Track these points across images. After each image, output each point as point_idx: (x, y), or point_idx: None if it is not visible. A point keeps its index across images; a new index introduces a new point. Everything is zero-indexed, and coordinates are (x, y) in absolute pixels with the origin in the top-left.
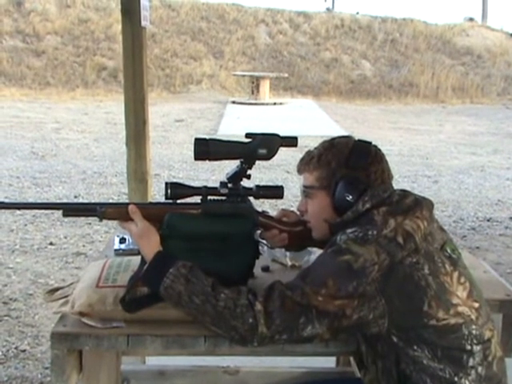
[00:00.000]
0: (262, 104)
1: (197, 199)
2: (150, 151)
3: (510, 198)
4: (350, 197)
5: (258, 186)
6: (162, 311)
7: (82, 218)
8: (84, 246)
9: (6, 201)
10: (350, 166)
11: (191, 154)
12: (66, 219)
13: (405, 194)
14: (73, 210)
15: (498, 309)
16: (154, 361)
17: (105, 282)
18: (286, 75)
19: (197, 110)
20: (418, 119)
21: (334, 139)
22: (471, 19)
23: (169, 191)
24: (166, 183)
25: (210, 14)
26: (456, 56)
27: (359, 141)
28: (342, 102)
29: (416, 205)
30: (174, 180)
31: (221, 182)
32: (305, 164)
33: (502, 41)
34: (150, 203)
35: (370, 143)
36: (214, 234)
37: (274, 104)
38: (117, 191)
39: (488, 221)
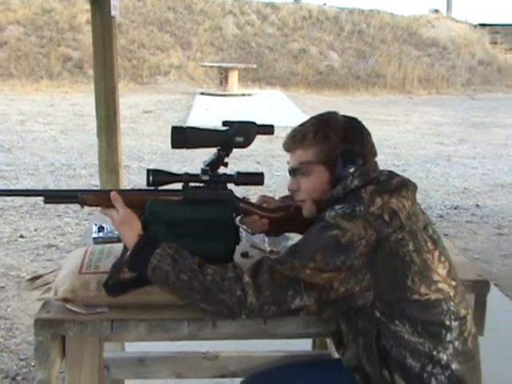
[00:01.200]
0: (231, 95)
1: (178, 186)
2: (121, 142)
3: (475, 186)
4: (352, 169)
5: (238, 173)
6: (145, 296)
7: (52, 210)
8: (55, 238)
9: None
10: (348, 139)
11: (161, 145)
12: (36, 211)
13: (391, 174)
14: (54, 196)
15: (470, 289)
16: (134, 348)
17: (87, 269)
18: (255, 66)
19: (165, 102)
20: (386, 110)
21: (322, 115)
22: (436, 11)
23: (150, 178)
24: (148, 170)
25: (177, 5)
26: (422, 47)
27: (346, 116)
28: (310, 93)
29: (402, 185)
30: (145, 172)
31: (202, 169)
32: (298, 141)
33: (466, 32)
34: (132, 190)
35: (356, 119)
36: (196, 220)
37: (243, 95)
38: (86, 183)
39: (455, 208)
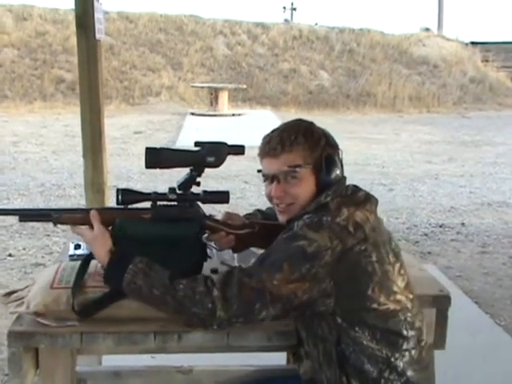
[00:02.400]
0: (221, 115)
1: (147, 205)
2: (106, 162)
3: (462, 204)
4: (338, 171)
5: (205, 192)
6: (113, 310)
7: (41, 230)
8: (43, 257)
9: None
10: (329, 143)
11: None
12: (25, 231)
13: (357, 188)
14: (28, 215)
15: (432, 303)
16: (110, 361)
17: (59, 284)
18: (245, 86)
19: (156, 122)
20: (375, 128)
21: (297, 120)
22: (427, 29)
23: (120, 197)
24: (117, 189)
25: (168, 26)
26: (412, 66)
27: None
28: (300, 113)
29: (366, 199)
30: None
31: (169, 188)
32: (288, 145)
33: (457, 50)
34: (103, 208)
35: None
36: (164, 238)
37: (233, 115)
38: (75, 203)
39: (440, 227)
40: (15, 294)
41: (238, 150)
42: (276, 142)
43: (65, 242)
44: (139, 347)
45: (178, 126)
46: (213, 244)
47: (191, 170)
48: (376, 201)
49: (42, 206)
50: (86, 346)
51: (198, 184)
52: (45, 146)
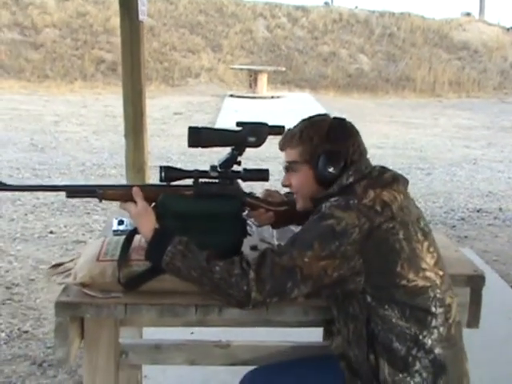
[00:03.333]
0: (260, 97)
1: (189, 182)
2: (147, 143)
3: (500, 189)
4: (332, 168)
5: (245, 170)
6: (156, 283)
7: (82, 208)
8: (83, 234)
9: (10, 183)
10: (330, 140)
11: None
12: (66, 209)
13: (384, 170)
14: (75, 191)
15: (466, 283)
16: (151, 335)
17: (104, 257)
18: (284, 69)
19: (195, 103)
20: (414, 113)
21: (312, 117)
22: (468, 14)
23: (163, 174)
24: (161, 167)
25: (208, 8)
26: (453, 50)
27: (335, 118)
28: (339, 96)
29: (394, 180)
30: None
31: (211, 166)
32: (287, 141)
33: (498, 35)
34: (146, 185)
35: (344, 119)
36: (205, 214)
37: (272, 97)
38: (115, 182)
39: (478, 211)
40: (62, 266)
41: (279, 130)
42: (282, 137)
43: (105, 220)
44: (181, 319)
45: (216, 108)
46: (253, 220)
47: (232, 150)
48: (405, 181)
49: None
50: (129, 317)
51: (239, 163)
52: (85, 125)
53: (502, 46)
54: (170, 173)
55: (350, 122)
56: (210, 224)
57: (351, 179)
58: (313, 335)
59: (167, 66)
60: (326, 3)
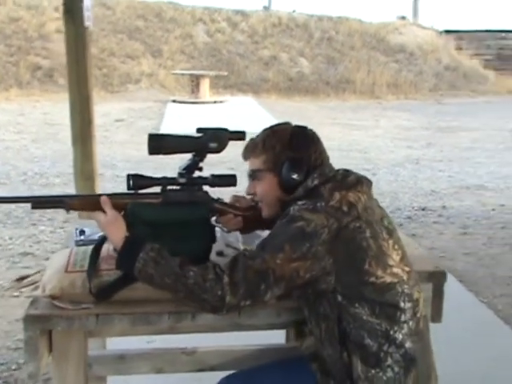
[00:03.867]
0: (203, 102)
1: (157, 189)
2: (96, 150)
3: (442, 188)
4: (296, 175)
5: (213, 176)
6: (128, 292)
7: (27, 219)
8: (31, 246)
9: None
10: (292, 148)
11: (134, 152)
12: (10, 220)
13: (347, 172)
14: (42, 202)
15: (428, 279)
16: (114, 345)
17: (73, 268)
18: (226, 73)
19: (137, 110)
20: (356, 115)
21: (273, 126)
22: (403, 18)
23: (131, 182)
24: (128, 175)
25: (147, 13)
26: (390, 53)
27: (296, 126)
28: (281, 99)
29: (357, 181)
30: (118, 179)
31: (179, 173)
32: (250, 150)
33: (432, 38)
34: (114, 193)
35: (305, 127)
36: (174, 221)
37: (215, 102)
38: (60, 192)
39: (423, 210)
40: (28, 279)
41: (240, 135)
42: (245, 147)
43: (52, 231)
44: (154, 327)
45: (159, 114)
46: (221, 226)
47: (194, 156)
48: (369, 182)
49: (25, 194)
50: (101, 328)
51: (201, 169)
52: (24, 134)
53: (436, 48)
54: (138, 181)
55: (311, 130)
56: (180, 231)
57: (316, 182)
58: (275, 338)
59: (106, 73)
60: (265, 7)
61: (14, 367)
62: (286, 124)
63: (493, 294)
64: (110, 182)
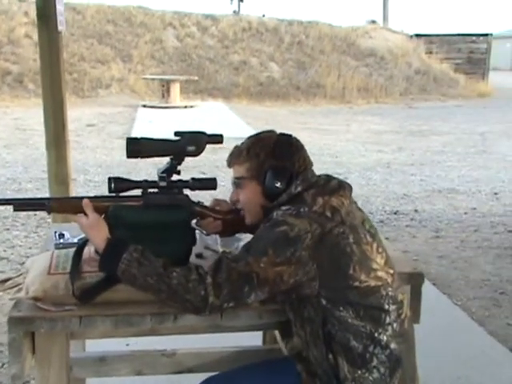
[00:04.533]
0: (173, 107)
1: (137, 192)
2: (70, 154)
3: (414, 191)
4: (279, 183)
5: (193, 179)
6: (111, 294)
7: (0, 224)
8: (5, 250)
9: None
10: (276, 156)
11: (105, 158)
12: None
13: (329, 178)
14: (23, 204)
15: (406, 281)
16: (94, 348)
17: (55, 270)
18: (196, 78)
19: (107, 115)
20: (327, 119)
21: (258, 134)
22: (373, 22)
23: (112, 185)
24: (109, 178)
25: (117, 17)
26: (360, 57)
27: (281, 134)
28: (252, 104)
29: (339, 186)
30: (91, 184)
31: (159, 176)
32: (235, 157)
33: (402, 42)
34: (95, 196)
35: (290, 135)
36: (155, 223)
37: (185, 107)
38: (33, 196)
39: (395, 213)
40: (10, 281)
41: (217, 139)
42: (230, 154)
43: (26, 236)
44: (136, 329)
45: (130, 119)
46: (200, 229)
47: (171, 159)
48: (350, 187)
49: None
50: (84, 330)
51: (179, 173)
52: None
53: (406, 52)
54: (119, 184)
55: (295, 138)
56: (161, 233)
57: (299, 188)
58: (253, 340)
59: (76, 77)
60: (235, 12)
61: None
62: (271, 132)
63: (466, 297)
64: (83, 186)
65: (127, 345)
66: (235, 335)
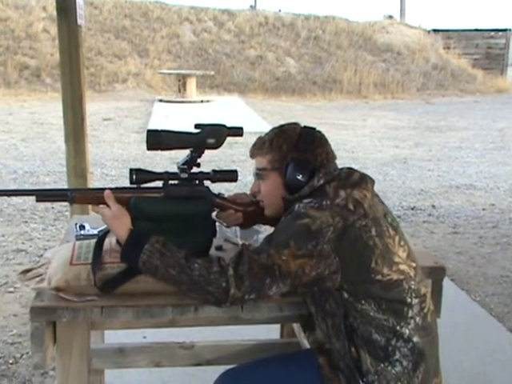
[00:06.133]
0: (190, 102)
1: (158, 184)
2: (88, 148)
3: (431, 187)
4: (301, 176)
5: (214, 171)
6: (132, 285)
7: (18, 217)
8: (23, 243)
9: None
10: (299, 149)
11: (122, 152)
12: (1, 218)
13: (351, 170)
14: (46, 195)
15: (428, 275)
16: (113, 339)
17: (77, 260)
18: (213, 73)
19: (124, 109)
20: (343, 115)
21: (283, 126)
22: (390, 17)
23: (134, 176)
24: (131, 169)
25: (134, 12)
26: (377, 53)
27: (305, 127)
28: (267, 99)
29: (361, 179)
30: (108, 178)
31: (180, 168)
32: (257, 148)
33: (420, 38)
34: (117, 188)
35: (314, 129)
36: (176, 215)
37: (201, 102)
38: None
39: (412, 209)
40: (32, 272)
41: (237, 131)
42: (253, 145)
43: (44, 228)
44: (157, 320)
45: (146, 113)
46: (221, 221)
47: (191, 152)
48: (372, 180)
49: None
50: (104, 320)
51: (198, 165)
52: (13, 133)
53: (423, 47)
54: (140, 175)
55: (319, 131)
56: (182, 225)
57: (322, 181)
58: (271, 333)
59: (93, 72)
60: (251, 6)
61: (11, 361)
62: (295, 124)
63: (485, 293)
64: (100, 180)
65: (144, 337)
66: (253, 328)
